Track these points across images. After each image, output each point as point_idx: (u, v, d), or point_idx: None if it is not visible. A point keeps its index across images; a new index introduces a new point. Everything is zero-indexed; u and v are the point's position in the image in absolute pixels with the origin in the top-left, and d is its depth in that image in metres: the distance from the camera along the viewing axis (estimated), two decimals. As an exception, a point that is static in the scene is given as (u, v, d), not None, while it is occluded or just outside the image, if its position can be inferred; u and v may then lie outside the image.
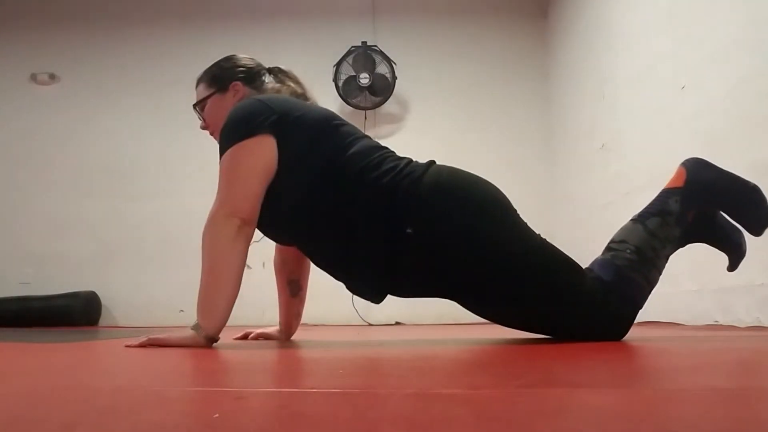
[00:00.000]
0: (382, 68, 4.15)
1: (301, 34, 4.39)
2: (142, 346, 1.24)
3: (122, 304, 4.19)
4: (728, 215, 1.35)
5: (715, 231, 1.35)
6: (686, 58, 2.42)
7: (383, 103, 4.21)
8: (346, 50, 4.18)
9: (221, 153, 1.34)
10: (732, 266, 1.38)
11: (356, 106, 4.20)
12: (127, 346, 1.26)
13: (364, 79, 4.09)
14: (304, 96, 1.59)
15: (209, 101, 1.53)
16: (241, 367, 0.90)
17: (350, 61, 4.15)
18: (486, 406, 0.51)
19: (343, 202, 1.31)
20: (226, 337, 1.35)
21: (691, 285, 2.31)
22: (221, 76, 1.54)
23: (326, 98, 4.26)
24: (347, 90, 4.14)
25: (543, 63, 4.31)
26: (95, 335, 2.45)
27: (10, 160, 4.39)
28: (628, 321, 1.29)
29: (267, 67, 1.61)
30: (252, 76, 1.56)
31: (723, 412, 0.48)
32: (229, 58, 1.60)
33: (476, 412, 0.48)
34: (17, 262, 4.26)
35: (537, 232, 1.32)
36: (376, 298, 1.40)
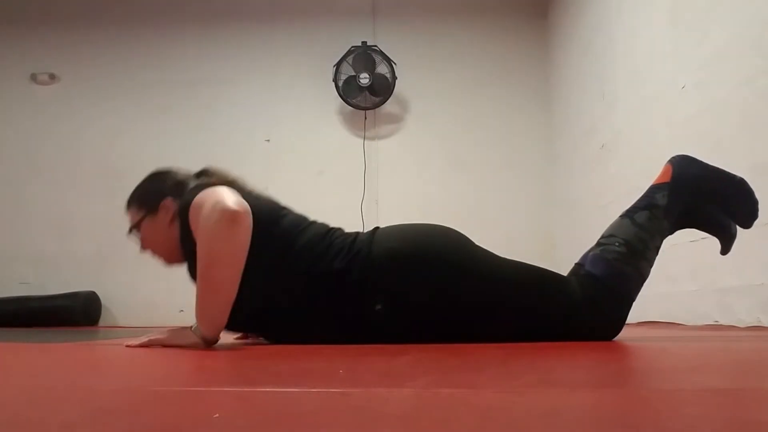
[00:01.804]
0: (382, 68, 4.16)
1: (301, 34, 4.39)
2: (142, 346, 1.24)
3: (122, 304, 4.19)
4: (715, 208, 1.36)
5: (702, 216, 1.36)
6: (686, 58, 2.42)
7: (383, 103, 4.21)
8: (346, 50, 4.18)
9: (185, 240, 1.31)
10: (724, 249, 1.39)
11: (356, 106, 4.20)
12: (127, 346, 1.26)
13: (364, 79, 4.09)
14: (235, 183, 1.49)
15: (142, 225, 1.49)
16: (241, 367, 0.90)
17: (350, 61, 4.15)
18: (486, 406, 0.51)
19: (302, 298, 1.31)
20: (226, 337, 1.35)
21: (691, 285, 2.31)
22: (149, 196, 1.50)
23: (326, 98, 4.27)
24: (347, 90, 4.14)
25: (543, 63, 4.31)
26: (95, 335, 2.45)
27: (10, 160, 4.39)
28: (622, 313, 1.30)
29: (194, 173, 1.55)
30: (180, 188, 1.49)
31: (722, 413, 0.48)
32: (154, 176, 1.56)
33: (476, 412, 0.48)
34: (17, 262, 4.26)
35: (500, 255, 1.34)
36: None
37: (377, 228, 1.39)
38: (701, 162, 1.36)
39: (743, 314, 2.02)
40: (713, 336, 1.61)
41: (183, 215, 1.33)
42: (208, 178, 1.50)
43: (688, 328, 2.21)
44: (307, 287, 1.31)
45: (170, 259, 1.52)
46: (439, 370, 0.81)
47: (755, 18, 1.98)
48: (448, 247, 1.33)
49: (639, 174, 2.75)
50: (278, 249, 1.31)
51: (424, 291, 1.28)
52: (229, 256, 1.22)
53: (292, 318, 1.34)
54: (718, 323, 2.15)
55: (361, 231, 1.39)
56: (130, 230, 1.53)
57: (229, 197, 1.23)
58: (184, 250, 1.38)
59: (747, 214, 1.35)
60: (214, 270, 1.23)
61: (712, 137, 2.18)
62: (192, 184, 1.50)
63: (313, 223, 1.42)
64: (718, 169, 1.35)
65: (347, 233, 1.39)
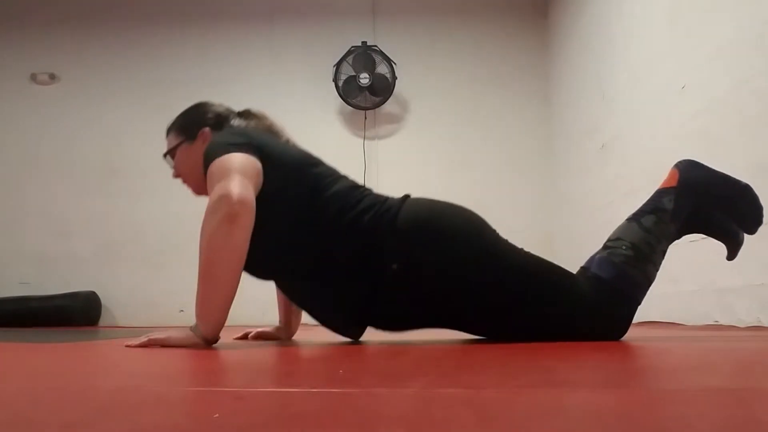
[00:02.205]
0: (382, 68, 4.16)
1: (301, 34, 4.39)
2: (142, 346, 1.24)
3: (122, 304, 4.19)
4: (721, 213, 1.36)
5: (709, 222, 1.37)
6: (686, 58, 2.42)
7: (383, 103, 4.22)
8: (346, 50, 4.18)
9: (205, 172, 1.31)
10: (730, 255, 1.39)
11: (356, 106, 4.20)
12: (127, 346, 1.26)
13: (364, 79, 4.09)
14: (278, 133, 1.56)
15: (178, 151, 1.52)
16: (241, 367, 0.90)
17: (350, 61, 4.15)
18: (486, 406, 0.51)
19: (323, 243, 1.32)
20: (226, 337, 1.35)
21: (691, 285, 2.31)
22: (190, 124, 1.53)
23: (326, 98, 4.27)
24: (347, 90, 4.14)
25: (543, 63, 4.31)
26: (95, 335, 2.45)
27: (10, 159, 4.40)
28: (627, 317, 1.31)
29: (237, 111, 1.59)
30: (221, 121, 1.53)
31: (722, 413, 0.48)
32: (198, 105, 1.58)
33: (476, 412, 0.48)
34: (17, 262, 4.26)
35: (519, 247, 1.34)
36: (357, 333, 1.43)
37: (408, 196, 1.40)
38: (707, 167, 1.37)
39: (743, 314, 2.02)
40: (713, 336, 1.61)
41: (205, 170, 1.32)
42: (248, 119, 1.56)
43: (688, 328, 2.21)
44: (332, 234, 1.31)
45: (199, 190, 1.53)
46: (439, 370, 0.81)
47: (755, 18, 1.98)
48: (471, 229, 1.34)
49: (639, 174, 2.75)
50: (308, 194, 1.33)
51: (441, 263, 1.28)
52: (231, 253, 1.22)
53: (311, 264, 1.34)
54: (718, 323, 2.15)
55: (390, 196, 1.40)
56: (166, 155, 1.56)
57: (234, 189, 1.21)
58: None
59: (752, 220, 1.35)
60: (215, 269, 1.23)
61: (712, 137, 2.18)
62: (233, 120, 1.55)
63: (345, 176, 1.44)
64: (723, 174, 1.36)
65: (376, 194, 1.40)
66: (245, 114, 1.58)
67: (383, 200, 1.37)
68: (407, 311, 1.34)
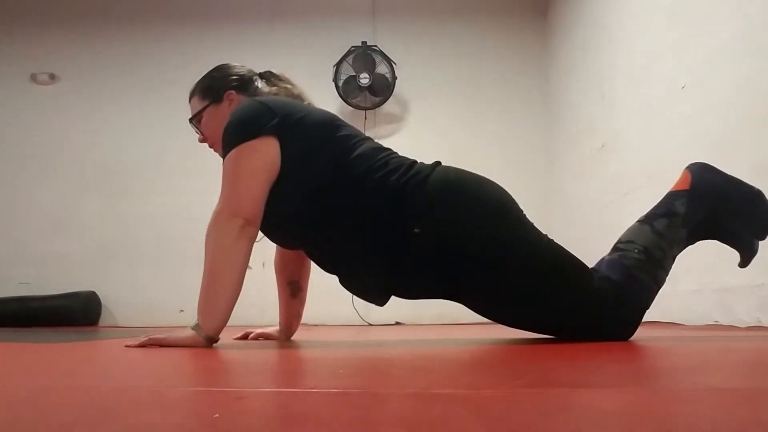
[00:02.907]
0: (382, 68, 4.16)
1: (301, 34, 4.39)
2: (142, 346, 1.24)
3: (122, 304, 4.19)
4: (733, 219, 1.35)
5: (724, 229, 1.35)
6: (686, 58, 2.42)
7: (383, 103, 4.21)
8: (346, 50, 4.18)
9: (224, 155, 1.33)
10: (744, 263, 1.38)
11: (356, 106, 4.20)
12: (127, 346, 1.26)
13: (364, 79, 4.09)
14: (300, 97, 1.58)
15: (205, 114, 1.51)
16: (241, 367, 0.90)
17: (350, 61, 4.15)
18: (486, 406, 0.51)
19: (348, 203, 1.31)
20: (226, 337, 1.35)
21: (691, 285, 2.31)
22: (214, 86, 1.52)
23: (326, 98, 4.26)
24: (347, 90, 4.14)
25: (543, 63, 4.31)
26: (95, 335, 2.45)
27: (10, 160, 4.39)
28: (635, 321, 1.29)
29: (258, 72, 1.60)
30: (245, 83, 1.54)
31: (723, 413, 0.48)
32: (220, 68, 1.58)
33: (476, 412, 0.48)
34: (17, 262, 4.26)
35: (543, 233, 1.33)
36: (381, 299, 1.40)
37: (439, 163, 1.40)
38: (720, 171, 1.35)
39: (743, 314, 2.02)
40: (713, 336, 1.61)
41: (224, 148, 1.33)
42: (271, 81, 1.58)
43: (688, 328, 2.21)
44: (359, 195, 1.31)
45: None
46: (439, 370, 0.81)
47: (755, 18, 1.98)
48: (500, 202, 1.33)
49: (639, 174, 2.75)
50: (334, 156, 1.33)
51: (462, 233, 1.26)
52: (237, 257, 1.26)
53: (338, 226, 1.33)
54: (718, 323, 2.15)
55: (420, 161, 1.39)
56: (191, 120, 1.54)
57: (243, 201, 1.26)
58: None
59: (763, 226, 1.34)
60: (220, 275, 1.25)
61: (712, 137, 2.18)
62: (257, 82, 1.56)
63: (370, 138, 1.44)
64: (735, 178, 1.35)
65: (405, 157, 1.40)
66: (267, 76, 1.59)
67: (411, 163, 1.36)
68: (424, 278, 1.32)
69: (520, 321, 1.34)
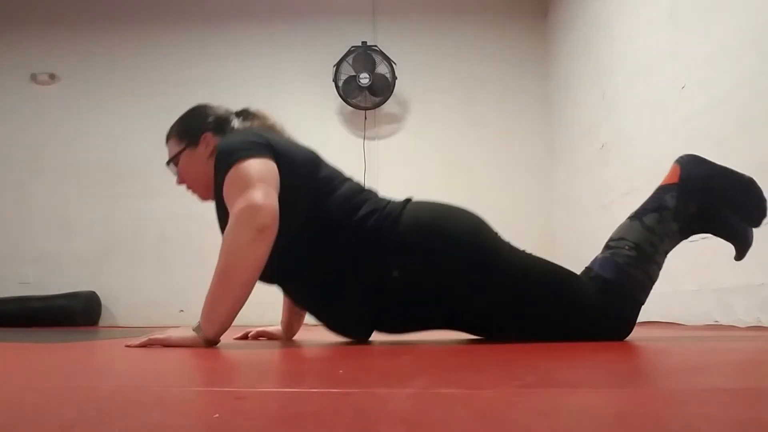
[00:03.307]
0: (382, 68, 4.16)
1: (301, 34, 4.39)
2: (142, 346, 1.24)
3: (122, 304, 4.19)
4: (726, 208, 1.35)
5: (718, 222, 1.35)
6: (686, 58, 2.42)
7: (383, 103, 4.22)
8: (346, 50, 4.18)
9: (221, 179, 1.29)
10: (739, 255, 1.38)
11: (356, 106, 4.20)
12: (127, 346, 1.26)
13: (364, 79, 4.09)
14: (274, 127, 1.55)
15: (182, 157, 1.50)
16: (241, 367, 0.90)
17: (350, 61, 4.15)
18: (486, 406, 0.51)
19: (328, 247, 1.32)
20: (226, 337, 1.35)
21: (691, 285, 2.31)
22: (190, 129, 1.51)
23: (326, 98, 4.27)
24: (347, 90, 4.14)
25: (543, 63, 4.31)
26: (95, 335, 2.45)
27: (10, 160, 4.40)
28: (631, 317, 1.30)
29: (235, 111, 1.57)
30: (221, 124, 1.51)
31: (723, 413, 0.48)
32: (196, 109, 1.56)
33: (476, 412, 0.48)
34: (17, 262, 4.26)
35: (522, 249, 1.34)
36: (363, 336, 1.42)
37: (410, 199, 1.40)
38: (709, 161, 1.35)
39: (743, 314, 2.02)
40: (713, 336, 1.60)
41: (219, 172, 1.30)
42: (248, 119, 1.54)
43: (688, 328, 2.21)
44: (336, 238, 1.31)
45: (205, 195, 1.51)
46: (439, 370, 0.81)
47: (755, 18, 1.98)
48: (473, 231, 1.33)
49: (639, 174, 2.75)
50: (314, 195, 1.33)
51: (441, 267, 1.28)
52: (253, 262, 1.22)
53: (315, 268, 1.34)
54: (718, 323, 2.15)
55: (393, 200, 1.39)
56: (169, 162, 1.54)
57: (261, 200, 1.21)
58: (216, 196, 1.37)
59: (756, 213, 1.34)
60: (234, 276, 1.22)
61: (712, 137, 2.18)
62: (234, 122, 1.53)
63: (350, 179, 1.44)
64: (726, 168, 1.34)
65: (379, 197, 1.40)
66: (244, 114, 1.57)
67: (384, 204, 1.36)
68: (409, 315, 1.34)
69: (516, 334, 1.35)
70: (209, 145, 1.47)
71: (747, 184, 1.33)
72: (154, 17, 4.47)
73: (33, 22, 4.48)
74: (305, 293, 1.42)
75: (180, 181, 1.55)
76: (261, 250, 1.22)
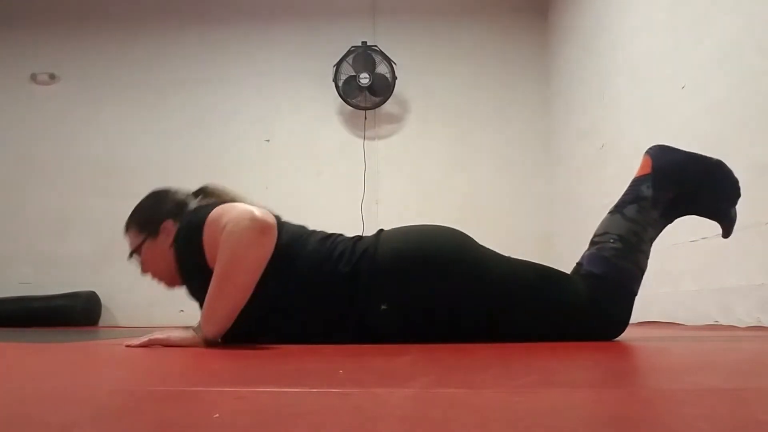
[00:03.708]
0: (382, 68, 4.16)
1: (301, 34, 4.39)
2: (142, 345, 1.24)
3: (122, 304, 4.19)
4: (701, 191, 1.36)
5: (698, 203, 1.37)
6: (686, 58, 2.42)
7: (383, 103, 4.21)
8: (346, 50, 4.18)
9: (182, 268, 1.31)
10: (725, 233, 1.39)
11: (356, 106, 4.20)
12: (127, 346, 1.26)
13: (364, 79, 4.09)
14: (235, 200, 1.48)
15: (143, 248, 1.48)
16: (241, 367, 0.90)
17: (350, 61, 4.15)
18: (486, 406, 0.51)
19: (311, 301, 1.31)
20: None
21: (691, 285, 2.31)
22: (149, 219, 1.49)
23: (326, 98, 4.27)
24: (347, 90, 4.14)
25: (543, 63, 4.31)
26: (95, 335, 2.45)
27: (10, 159, 4.39)
28: (627, 309, 1.31)
29: (193, 192, 1.54)
30: (180, 208, 1.49)
31: (723, 413, 0.48)
32: (153, 196, 1.54)
33: (476, 412, 0.48)
34: (17, 262, 4.26)
35: (506, 255, 1.34)
36: None
37: (381, 230, 1.40)
38: (677, 149, 1.39)
39: (743, 314, 2.02)
40: (713, 336, 1.61)
41: (193, 234, 1.29)
42: (207, 197, 1.50)
43: (688, 328, 2.21)
44: (314, 292, 1.31)
45: (171, 282, 1.50)
46: (439, 370, 0.81)
47: (755, 18, 1.98)
48: (452, 248, 1.33)
49: (639, 174, 2.75)
50: (283, 258, 1.29)
51: (429, 291, 1.28)
52: (254, 262, 1.21)
53: (297, 322, 1.34)
54: (718, 323, 2.15)
55: (362, 234, 1.40)
56: (131, 254, 1.51)
57: (257, 210, 1.22)
58: (182, 270, 1.37)
59: (731, 193, 1.36)
60: (235, 276, 1.21)
61: (712, 137, 2.18)
62: (192, 204, 1.50)
63: (313, 231, 1.42)
64: (694, 154, 1.37)
65: (348, 237, 1.40)
66: (203, 192, 1.53)
67: (356, 241, 1.36)
68: (404, 338, 1.33)
69: (516, 338, 1.35)
70: (170, 234, 1.43)
71: (716, 166, 1.36)
72: (154, 17, 4.47)
73: (33, 22, 4.48)
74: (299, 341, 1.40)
75: (144, 270, 1.52)
76: (261, 252, 1.22)
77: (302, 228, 1.43)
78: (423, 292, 1.29)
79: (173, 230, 1.43)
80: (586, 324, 1.28)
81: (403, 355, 1.05)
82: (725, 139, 2.11)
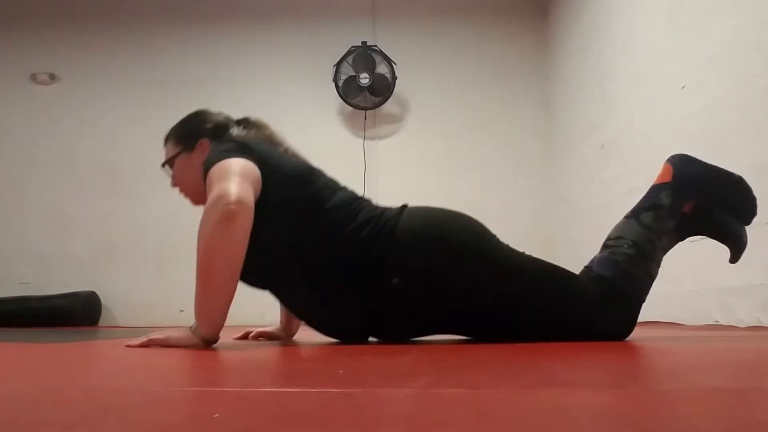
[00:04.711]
0: (382, 68, 4.16)
1: (301, 34, 4.39)
2: (142, 346, 1.24)
3: (122, 304, 4.19)
4: (718, 206, 1.36)
5: (713, 223, 1.36)
6: (686, 58, 2.42)
7: (383, 103, 4.22)
8: (346, 50, 4.18)
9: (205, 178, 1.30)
10: (734, 258, 1.39)
11: (356, 106, 4.21)
12: (127, 346, 1.26)
13: (364, 79, 4.09)
14: (272, 138, 1.55)
15: (177, 160, 1.51)
16: (241, 367, 0.90)
17: (350, 61, 4.15)
18: (486, 406, 0.51)
19: (322, 257, 1.31)
20: (226, 337, 1.35)
21: (691, 285, 2.31)
22: (188, 133, 1.52)
23: (326, 98, 4.27)
24: (347, 90, 4.14)
25: (543, 63, 4.31)
26: (95, 335, 2.45)
27: (10, 159, 4.40)
28: (633, 315, 1.30)
29: (235, 119, 1.58)
30: (219, 130, 1.52)
31: (723, 413, 0.48)
32: (197, 114, 1.57)
33: (476, 412, 0.48)
34: (17, 262, 4.26)
35: (521, 251, 1.34)
36: (360, 340, 1.42)
37: (405, 206, 1.39)
38: (700, 160, 1.37)
39: (743, 314, 2.02)
40: (713, 336, 1.61)
41: (205, 173, 1.32)
42: (248, 127, 1.55)
43: (688, 328, 2.21)
44: (331, 248, 1.31)
45: (197, 200, 1.52)
46: (439, 370, 0.81)
47: (755, 18, 1.98)
48: (471, 235, 1.33)
49: (639, 174, 2.75)
50: (307, 206, 1.32)
51: (441, 274, 1.28)
52: (227, 256, 1.20)
53: (308, 278, 1.33)
54: (718, 323, 2.15)
55: (388, 207, 1.39)
56: (164, 164, 1.54)
57: (232, 190, 1.20)
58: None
59: (747, 211, 1.36)
60: (213, 269, 1.21)
61: (712, 137, 2.18)
62: (233, 130, 1.53)
63: (344, 187, 1.43)
64: (716, 167, 1.36)
65: (373, 205, 1.40)
66: (244, 122, 1.57)
67: (380, 212, 1.36)
68: (409, 322, 1.33)
69: (516, 337, 1.35)
70: (204, 152, 1.47)
71: (737, 183, 1.35)
72: (154, 17, 4.47)
73: (33, 22, 4.48)
74: (302, 303, 1.42)
75: (173, 184, 1.55)
76: (236, 239, 1.19)
77: (334, 181, 1.44)
78: (435, 274, 1.28)
79: (208, 149, 1.47)
80: (591, 325, 1.28)
81: (403, 355, 1.05)
82: (725, 139, 2.11)
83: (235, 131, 1.54)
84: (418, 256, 1.28)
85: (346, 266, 1.31)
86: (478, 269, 1.29)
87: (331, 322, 1.40)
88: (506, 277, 1.29)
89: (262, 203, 1.27)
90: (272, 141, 1.52)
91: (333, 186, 1.41)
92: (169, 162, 1.53)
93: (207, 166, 1.31)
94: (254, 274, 1.34)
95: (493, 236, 1.36)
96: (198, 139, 1.50)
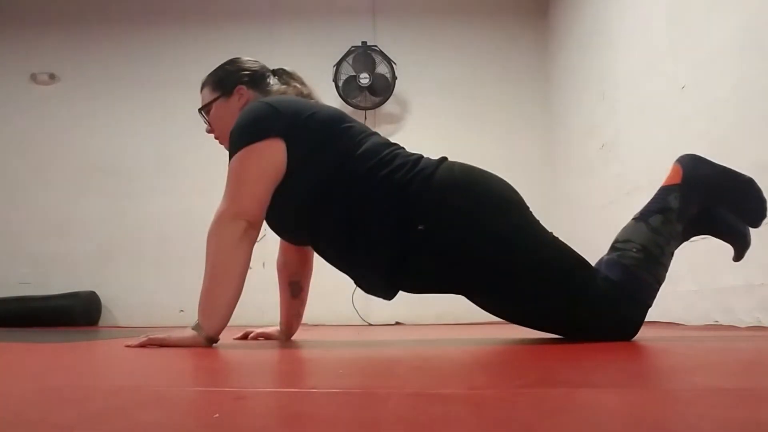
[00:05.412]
0: (382, 68, 4.16)
1: (301, 34, 4.39)
2: (142, 346, 1.24)
3: (122, 304, 4.19)
4: (726, 208, 1.35)
5: (717, 222, 1.35)
6: (686, 58, 2.42)
7: (383, 103, 4.21)
8: (346, 50, 4.18)
9: (230, 156, 1.34)
10: (737, 256, 1.38)
11: (356, 106, 4.20)
12: (127, 346, 1.26)
13: (364, 79, 4.09)
14: (309, 96, 1.59)
15: (214, 106, 1.53)
16: (241, 367, 0.90)
17: (350, 61, 4.15)
18: (486, 406, 0.51)
19: (354, 200, 1.31)
20: (226, 337, 1.35)
21: (691, 285, 2.31)
22: (225, 79, 1.54)
23: (326, 98, 4.25)
24: (347, 90, 4.14)
25: (543, 63, 4.31)
26: (95, 335, 2.45)
27: (10, 159, 4.39)
28: (638, 320, 1.29)
29: (271, 69, 1.61)
30: (256, 78, 1.55)
31: (723, 413, 0.48)
32: (234, 61, 1.60)
33: (476, 412, 0.48)
34: (17, 262, 4.26)
35: (549, 230, 1.33)
36: (389, 294, 1.41)
37: (445, 158, 1.39)
38: (709, 161, 1.35)
39: (743, 314, 2.02)
40: (713, 336, 1.60)
41: (232, 149, 1.35)
42: (283, 78, 1.59)
43: (688, 328, 2.21)
44: (364, 192, 1.31)
45: None
46: (440, 370, 0.81)
47: (755, 18, 1.98)
48: (504, 200, 1.33)
49: (639, 174, 2.75)
50: (340, 153, 1.34)
51: (468, 230, 1.26)
52: (235, 266, 1.27)
53: (336, 222, 1.34)
54: (718, 323, 2.15)
55: (426, 156, 1.39)
56: (201, 110, 1.56)
57: (246, 201, 1.29)
58: None
59: (756, 214, 1.34)
60: (221, 275, 1.26)
61: (712, 137, 2.18)
62: (269, 80, 1.57)
63: (377, 133, 1.44)
64: (726, 168, 1.35)
65: (408, 152, 1.40)
66: (279, 73, 1.60)
67: (417, 159, 1.35)
68: (429, 273, 1.31)
69: (523, 317, 1.34)
70: (242, 98, 1.51)
71: (747, 184, 1.34)
72: (154, 17, 4.47)
73: (33, 22, 4.48)
74: (333, 249, 1.41)
75: (209, 130, 1.57)
76: (244, 251, 1.28)
77: (367, 128, 1.45)
78: (462, 226, 1.26)
79: (246, 95, 1.51)
80: (594, 324, 1.26)
81: (404, 355, 1.05)
82: (725, 139, 2.11)
83: (272, 81, 1.57)
84: (448, 207, 1.27)
85: (375, 207, 1.30)
86: (502, 233, 1.27)
87: (359, 265, 1.39)
88: (527, 248, 1.27)
89: (294, 158, 1.32)
90: (304, 95, 1.57)
91: (365, 131, 1.42)
92: (206, 108, 1.55)
93: (233, 139, 1.34)
94: (289, 227, 1.40)
95: (527, 209, 1.35)
96: (235, 86, 1.53)
